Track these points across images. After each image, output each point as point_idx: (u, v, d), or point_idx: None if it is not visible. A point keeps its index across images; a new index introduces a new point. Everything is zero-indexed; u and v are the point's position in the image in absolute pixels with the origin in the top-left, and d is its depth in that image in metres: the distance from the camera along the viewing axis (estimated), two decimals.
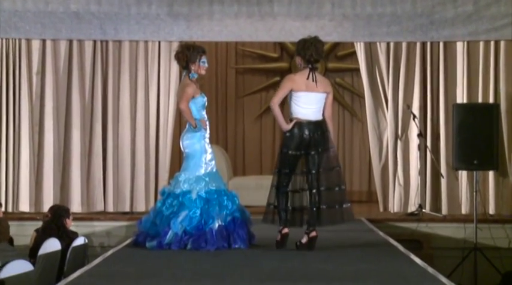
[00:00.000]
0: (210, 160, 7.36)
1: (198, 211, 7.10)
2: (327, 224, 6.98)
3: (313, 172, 6.87)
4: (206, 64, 7.33)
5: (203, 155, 7.32)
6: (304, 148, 6.89)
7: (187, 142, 7.34)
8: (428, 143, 10.23)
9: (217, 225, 7.09)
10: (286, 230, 6.95)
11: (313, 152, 6.88)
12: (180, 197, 7.17)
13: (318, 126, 6.90)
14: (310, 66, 6.93)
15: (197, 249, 6.94)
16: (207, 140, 7.39)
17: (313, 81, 6.87)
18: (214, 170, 7.39)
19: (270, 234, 7.15)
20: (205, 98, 7.42)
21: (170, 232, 7.06)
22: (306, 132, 6.86)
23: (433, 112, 10.36)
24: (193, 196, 7.15)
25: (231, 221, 7.18)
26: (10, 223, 8.61)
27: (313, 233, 6.87)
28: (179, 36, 10.16)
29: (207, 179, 7.26)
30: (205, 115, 7.41)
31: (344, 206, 6.97)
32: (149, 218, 7.31)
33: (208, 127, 7.39)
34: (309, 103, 6.90)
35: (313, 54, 6.92)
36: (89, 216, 10.03)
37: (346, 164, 12.96)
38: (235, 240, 7.10)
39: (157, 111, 10.36)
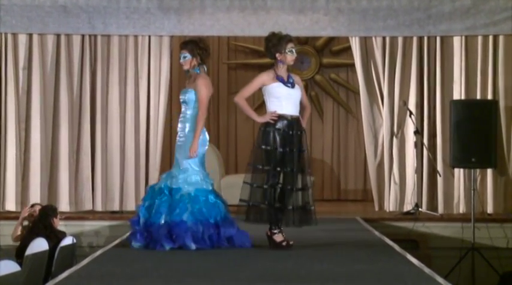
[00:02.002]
0: (176, 157, 7.28)
1: (147, 203, 7.12)
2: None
3: None
4: (180, 59, 7.31)
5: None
6: None
7: None
8: (425, 141, 10.17)
9: (163, 221, 6.98)
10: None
11: None
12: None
13: None
14: None
15: (145, 245, 6.96)
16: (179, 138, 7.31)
17: None
18: (179, 167, 7.21)
19: (263, 233, 7.04)
20: (184, 95, 7.28)
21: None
22: None
23: (430, 108, 10.29)
24: (155, 188, 7.25)
25: (182, 221, 6.99)
26: None
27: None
28: (170, 31, 10.10)
29: (167, 174, 7.26)
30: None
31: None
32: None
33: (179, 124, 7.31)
34: None
35: None
36: (77, 215, 9.92)
37: (341, 162, 12.98)
38: (178, 239, 6.92)
39: (148, 107, 10.26)
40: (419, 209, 9.93)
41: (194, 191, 7.08)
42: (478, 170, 9.83)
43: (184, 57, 7.23)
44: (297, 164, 6.89)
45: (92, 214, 10.00)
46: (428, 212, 9.99)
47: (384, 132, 10.34)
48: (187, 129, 7.20)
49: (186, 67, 7.27)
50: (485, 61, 10.10)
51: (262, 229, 7.05)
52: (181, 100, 7.27)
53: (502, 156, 9.99)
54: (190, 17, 10.04)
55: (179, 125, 7.26)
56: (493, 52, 10.09)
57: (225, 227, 7.05)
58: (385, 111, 10.30)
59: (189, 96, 7.20)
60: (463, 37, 10.13)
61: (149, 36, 10.18)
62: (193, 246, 6.86)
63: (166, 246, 6.87)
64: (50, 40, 10.11)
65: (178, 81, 12.25)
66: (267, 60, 12.62)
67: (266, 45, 7.02)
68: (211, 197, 7.14)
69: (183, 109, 7.27)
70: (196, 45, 7.26)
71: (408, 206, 10.10)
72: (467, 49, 10.13)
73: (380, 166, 10.41)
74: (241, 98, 7.01)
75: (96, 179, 10.17)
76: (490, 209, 10.06)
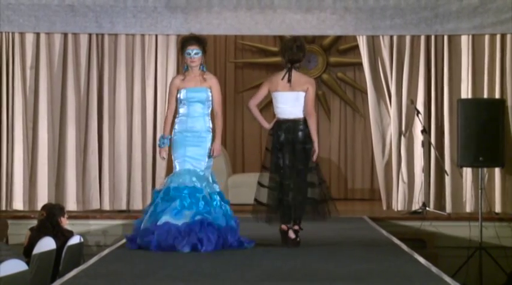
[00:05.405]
0: (188, 157, 7.14)
1: (152, 207, 7.02)
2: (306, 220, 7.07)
3: (290, 167, 7.02)
4: (191, 56, 7.08)
5: (178, 151, 7.20)
6: (282, 145, 7.05)
7: None
8: (433, 140, 10.14)
9: (164, 221, 6.82)
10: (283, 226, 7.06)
11: (289, 149, 7.03)
12: None
13: (295, 124, 7.04)
14: (289, 65, 7.12)
15: (145, 245, 6.79)
16: (186, 136, 7.16)
17: (288, 81, 7.04)
18: (190, 167, 7.11)
19: (271, 233, 7.09)
20: (196, 93, 7.12)
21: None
22: (283, 130, 7.05)
23: (437, 107, 10.27)
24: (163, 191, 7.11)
25: (197, 222, 6.83)
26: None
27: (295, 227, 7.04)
28: (177, 30, 10.09)
29: (175, 175, 7.11)
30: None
31: (323, 204, 7.10)
32: None
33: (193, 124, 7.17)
34: (284, 102, 7.08)
35: (290, 56, 7.11)
36: (84, 214, 9.93)
37: (348, 161, 13.00)
38: (200, 241, 6.76)
39: (155, 106, 10.25)
40: (427, 208, 9.90)
41: (209, 194, 7.01)
42: (485, 169, 9.82)
43: (197, 54, 7.05)
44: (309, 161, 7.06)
45: (99, 213, 10.00)
46: (436, 211, 9.96)
47: (391, 131, 10.32)
48: (204, 128, 7.11)
49: (196, 63, 7.08)
50: (492, 60, 10.07)
51: (269, 228, 7.07)
52: (193, 99, 7.08)
53: (509, 155, 9.94)
54: (197, 15, 10.04)
55: (193, 124, 7.08)
56: (501, 51, 10.07)
57: (229, 233, 6.90)
58: (392, 110, 10.27)
59: (205, 94, 7.10)
60: (471, 36, 10.11)
61: (156, 35, 10.19)
62: (187, 249, 6.70)
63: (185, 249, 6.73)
64: (57, 39, 10.12)
65: None
66: (273, 59, 12.78)
67: (302, 44, 7.10)
68: (220, 201, 7.07)
69: (194, 108, 7.10)
70: (206, 43, 7.18)
71: (416, 206, 10.08)
72: (475, 48, 10.11)
73: (388, 165, 10.38)
74: (312, 112, 7.05)
75: (103, 178, 10.17)
76: (497, 208, 10.03)
